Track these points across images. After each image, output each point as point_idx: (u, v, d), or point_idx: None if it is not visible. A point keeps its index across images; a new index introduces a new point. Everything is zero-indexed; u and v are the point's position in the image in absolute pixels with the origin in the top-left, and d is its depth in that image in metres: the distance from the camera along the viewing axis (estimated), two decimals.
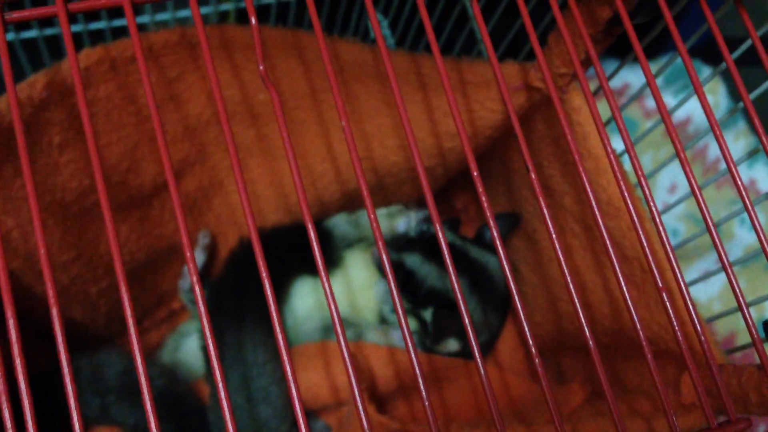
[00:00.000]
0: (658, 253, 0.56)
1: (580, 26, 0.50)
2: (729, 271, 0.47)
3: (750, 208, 0.47)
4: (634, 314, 0.46)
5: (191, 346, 0.82)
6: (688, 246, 1.04)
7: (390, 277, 0.43)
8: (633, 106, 1.17)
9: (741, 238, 1.12)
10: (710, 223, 0.47)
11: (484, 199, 0.45)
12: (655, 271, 0.47)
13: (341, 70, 0.70)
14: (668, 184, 1.13)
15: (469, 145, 0.46)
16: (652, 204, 0.47)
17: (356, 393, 0.43)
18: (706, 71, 1.16)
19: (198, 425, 0.71)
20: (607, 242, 0.47)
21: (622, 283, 0.46)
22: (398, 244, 0.80)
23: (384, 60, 0.48)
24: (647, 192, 0.48)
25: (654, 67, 1.06)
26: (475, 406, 0.78)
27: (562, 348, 0.78)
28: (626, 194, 0.48)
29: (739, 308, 0.47)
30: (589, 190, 0.49)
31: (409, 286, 0.77)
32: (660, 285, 0.47)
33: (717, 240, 0.47)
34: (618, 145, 0.88)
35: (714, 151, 1.15)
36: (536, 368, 0.77)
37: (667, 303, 0.46)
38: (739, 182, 0.48)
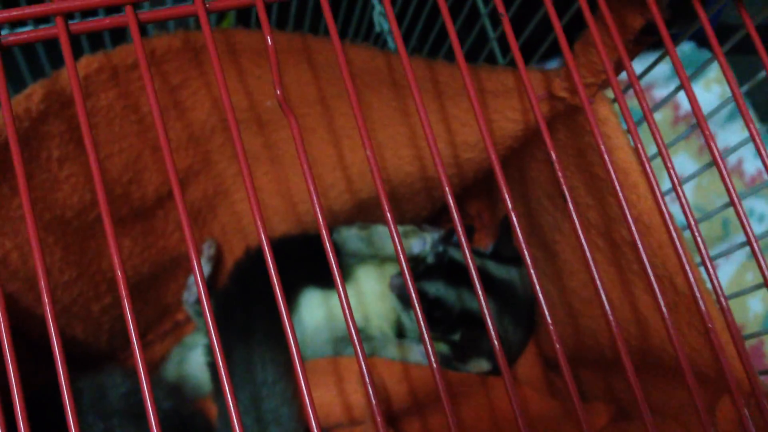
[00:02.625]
0: (693, 273, 0.53)
1: (614, 34, 0.47)
2: (756, 247, 0.45)
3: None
4: (673, 338, 0.43)
5: (197, 359, 0.79)
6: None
7: (418, 308, 0.41)
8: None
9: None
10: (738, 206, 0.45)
11: (510, 206, 0.42)
12: (699, 297, 0.44)
13: (353, 77, 0.67)
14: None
15: (495, 154, 0.44)
16: (690, 217, 0.45)
17: (377, 417, 0.41)
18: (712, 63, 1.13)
19: None
20: (646, 264, 0.44)
21: (663, 307, 0.44)
22: (416, 270, 0.77)
23: (405, 67, 0.46)
24: (685, 204, 0.45)
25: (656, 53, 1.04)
26: (492, 422, 0.75)
27: (581, 363, 0.75)
28: (667, 216, 0.45)
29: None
30: (625, 206, 0.47)
31: (435, 315, 0.74)
32: (703, 309, 0.45)
33: (744, 218, 0.44)
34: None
35: (719, 142, 1.12)
36: (566, 386, 0.74)
37: (711, 328, 0.44)
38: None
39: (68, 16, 0.36)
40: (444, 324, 0.75)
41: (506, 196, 0.41)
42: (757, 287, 0.56)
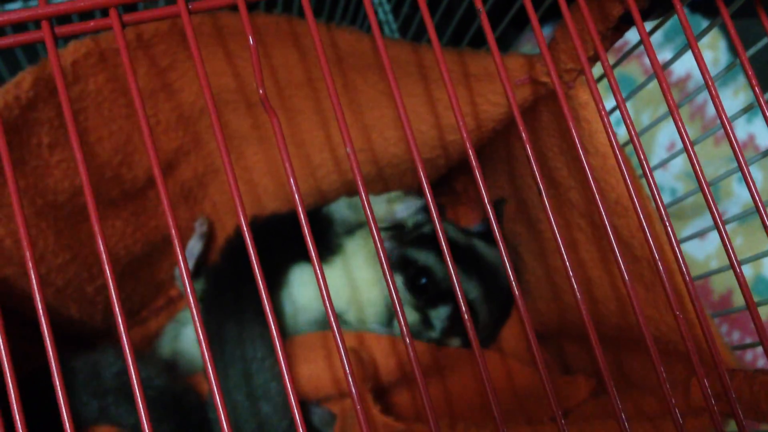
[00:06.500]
0: (668, 254, 0.55)
1: (588, 24, 0.48)
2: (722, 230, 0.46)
3: (744, 166, 0.46)
4: (639, 316, 0.46)
5: (191, 335, 0.81)
6: (685, 205, 1.02)
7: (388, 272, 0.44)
8: (632, 64, 1.14)
9: (739, 196, 1.11)
10: (704, 182, 0.46)
11: (485, 196, 0.43)
12: (663, 276, 0.46)
13: (339, 60, 0.68)
14: (667, 142, 1.12)
15: (470, 140, 0.46)
16: (659, 200, 0.46)
17: (357, 397, 0.43)
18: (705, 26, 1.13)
19: (198, 422, 0.70)
20: (613, 242, 0.46)
21: (628, 282, 0.46)
22: (406, 236, 0.78)
23: (380, 50, 0.47)
24: (653, 186, 0.46)
25: (652, 22, 1.05)
26: (480, 394, 0.77)
27: (565, 337, 0.77)
28: (634, 197, 0.46)
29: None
30: (595, 189, 0.48)
31: (421, 282, 0.75)
32: (667, 287, 0.46)
33: (710, 199, 0.46)
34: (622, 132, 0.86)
35: (712, 107, 1.13)
36: (553, 359, 0.76)
37: (679, 314, 0.45)
38: (733, 139, 0.47)
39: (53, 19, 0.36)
40: (428, 294, 0.76)
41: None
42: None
